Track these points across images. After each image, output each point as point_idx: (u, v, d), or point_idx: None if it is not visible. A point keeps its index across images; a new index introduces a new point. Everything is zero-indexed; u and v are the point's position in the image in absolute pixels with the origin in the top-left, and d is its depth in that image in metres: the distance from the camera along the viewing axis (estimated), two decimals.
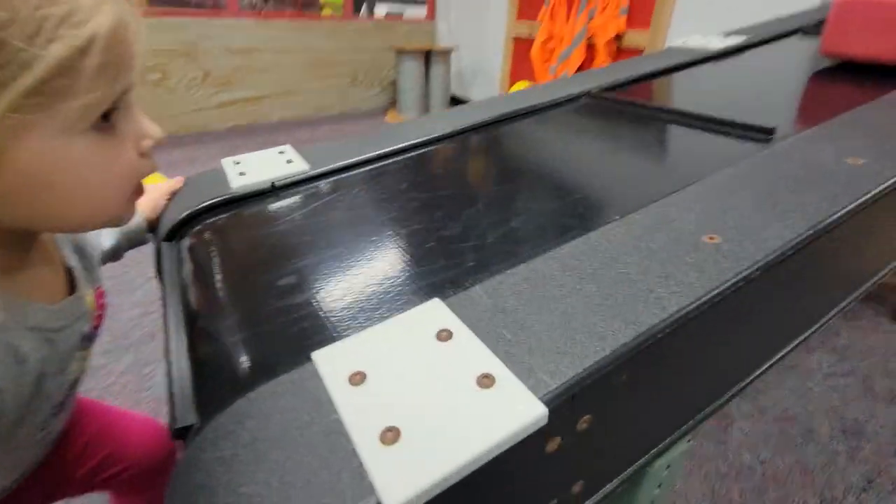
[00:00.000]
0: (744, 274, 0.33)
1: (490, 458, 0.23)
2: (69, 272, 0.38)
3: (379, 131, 0.72)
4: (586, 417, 0.29)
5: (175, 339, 0.36)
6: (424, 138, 0.68)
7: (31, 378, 0.32)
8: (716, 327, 0.35)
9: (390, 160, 0.63)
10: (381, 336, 0.29)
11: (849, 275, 0.51)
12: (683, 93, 0.85)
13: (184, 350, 0.35)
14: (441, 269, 0.40)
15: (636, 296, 0.31)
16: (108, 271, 0.47)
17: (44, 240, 0.36)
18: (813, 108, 0.71)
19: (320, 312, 0.37)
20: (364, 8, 4.05)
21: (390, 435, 0.23)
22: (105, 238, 0.50)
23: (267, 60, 3.13)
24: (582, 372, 0.27)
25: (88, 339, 0.39)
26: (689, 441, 0.51)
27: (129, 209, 0.33)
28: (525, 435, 0.24)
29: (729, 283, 0.32)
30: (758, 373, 0.45)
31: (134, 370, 1.09)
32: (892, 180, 0.42)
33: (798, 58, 1.02)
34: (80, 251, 0.41)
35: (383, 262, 0.43)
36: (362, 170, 0.61)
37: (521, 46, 3.16)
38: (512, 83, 3.24)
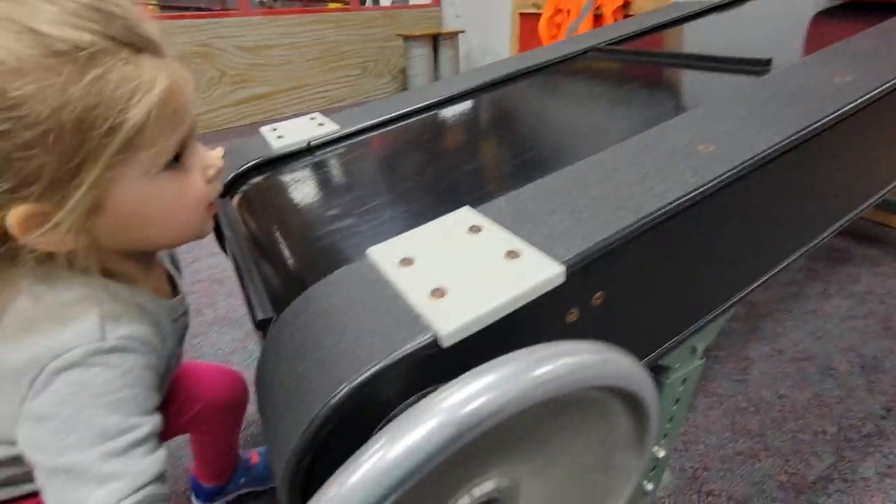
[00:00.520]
0: (737, 171, 0.37)
1: (520, 304, 0.28)
2: (171, 278, 0.47)
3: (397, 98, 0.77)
4: (599, 294, 0.35)
5: (245, 262, 0.43)
6: (442, 97, 0.73)
7: (166, 357, 0.40)
8: (715, 224, 0.40)
9: (413, 118, 0.69)
10: (422, 234, 0.35)
11: (845, 191, 0.55)
12: (686, 40, 0.88)
13: (254, 268, 0.42)
14: (466, 193, 0.46)
15: (638, 193, 0.36)
16: None
17: (154, 254, 0.45)
18: (811, 43, 0.74)
19: (366, 231, 0.43)
20: None
21: (438, 292, 0.29)
22: None
23: (278, 56, 3.20)
24: (593, 246, 0.32)
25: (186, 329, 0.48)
26: (701, 359, 0.55)
27: (207, 224, 0.40)
28: (548, 288, 0.29)
29: (722, 179, 0.37)
30: (764, 278, 0.49)
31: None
32: (877, 90, 0.45)
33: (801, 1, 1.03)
34: (174, 261, 0.50)
35: (415, 193, 0.49)
36: (389, 127, 0.66)
37: (527, 23, 3.15)
38: None
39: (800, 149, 0.42)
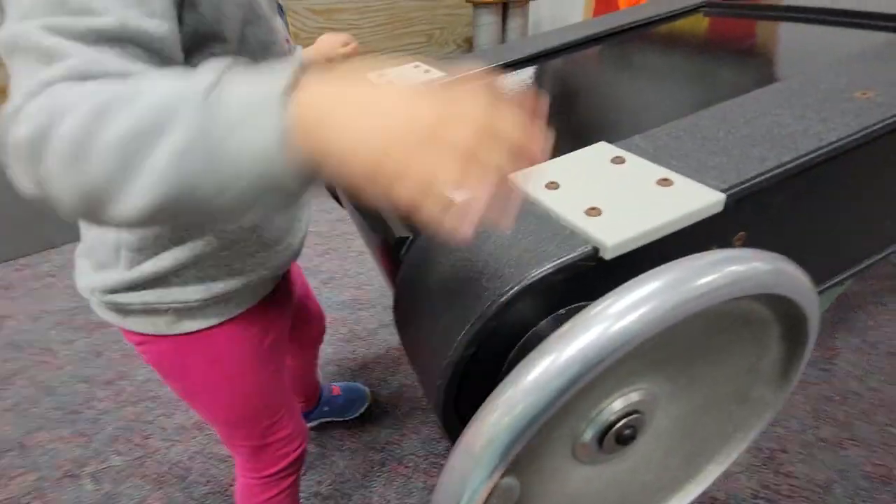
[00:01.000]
0: None
1: (678, 227, 0.28)
2: None
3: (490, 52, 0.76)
4: (741, 234, 0.34)
5: None
6: (562, 43, 0.71)
7: None
8: (872, 173, 0.37)
9: (526, 65, 0.68)
10: (564, 162, 0.35)
11: None
12: None
13: None
14: (596, 132, 0.46)
15: (793, 133, 0.35)
16: None
17: None
18: None
19: None
20: None
21: (594, 211, 0.29)
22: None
23: (347, 21, 3.23)
24: (750, 179, 0.31)
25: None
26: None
27: None
28: (707, 215, 0.29)
29: (887, 124, 0.35)
30: None
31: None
32: None
33: None
34: None
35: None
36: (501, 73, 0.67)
37: None
38: None
39: None
